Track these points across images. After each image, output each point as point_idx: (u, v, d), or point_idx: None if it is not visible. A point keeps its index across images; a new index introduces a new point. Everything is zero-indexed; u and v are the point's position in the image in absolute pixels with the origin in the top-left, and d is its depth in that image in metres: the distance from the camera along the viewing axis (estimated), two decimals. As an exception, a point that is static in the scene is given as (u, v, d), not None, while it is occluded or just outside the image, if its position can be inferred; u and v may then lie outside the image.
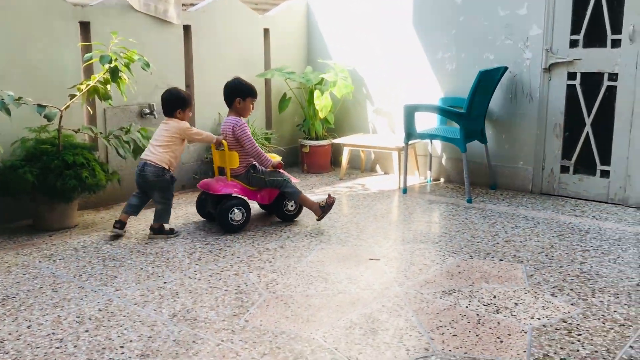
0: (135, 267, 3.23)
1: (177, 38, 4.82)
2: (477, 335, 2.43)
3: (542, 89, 4.64)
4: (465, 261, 3.30)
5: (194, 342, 2.40)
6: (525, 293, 2.86)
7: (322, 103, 5.24)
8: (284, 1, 5.89)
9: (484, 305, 2.72)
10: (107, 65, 3.68)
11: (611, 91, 4.38)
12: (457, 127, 4.70)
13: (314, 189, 4.99)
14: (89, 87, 3.79)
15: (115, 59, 3.71)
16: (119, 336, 2.45)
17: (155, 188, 3.74)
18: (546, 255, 3.37)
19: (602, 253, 3.40)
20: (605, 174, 4.48)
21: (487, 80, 4.54)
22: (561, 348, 2.32)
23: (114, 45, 3.78)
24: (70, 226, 3.95)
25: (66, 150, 3.80)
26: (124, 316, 2.64)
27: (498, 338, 2.41)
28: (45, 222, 3.88)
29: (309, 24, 5.93)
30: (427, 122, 5.11)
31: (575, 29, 4.47)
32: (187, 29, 4.90)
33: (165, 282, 3.02)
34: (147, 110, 4.62)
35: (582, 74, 4.48)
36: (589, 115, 4.50)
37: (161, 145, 3.73)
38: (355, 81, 5.63)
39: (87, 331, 2.50)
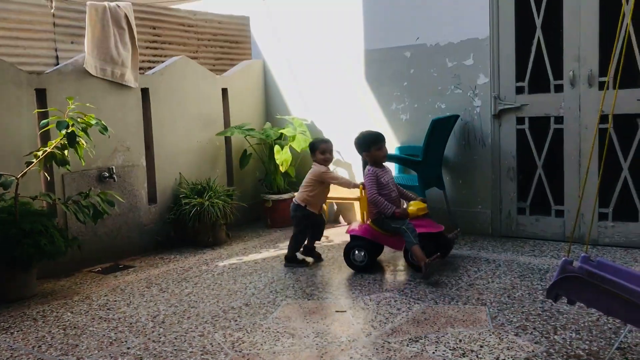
0: (97, 334, 3.16)
1: (135, 101, 4.86)
2: (444, 381, 2.44)
3: (493, 135, 4.81)
4: (430, 307, 3.33)
5: (159, 408, 2.34)
6: (490, 335, 2.89)
7: (282, 157, 5.31)
8: (241, 61, 6.03)
9: (450, 349, 2.74)
10: (64, 131, 3.68)
11: (558, 133, 4.58)
12: (415, 174, 4.81)
13: (279, 244, 4.99)
14: (45, 153, 3.77)
15: (72, 124, 3.71)
16: (81, 408, 2.37)
17: (292, 220, 4.35)
18: (508, 296, 3.43)
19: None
20: (559, 213, 4.63)
21: (440, 128, 4.69)
22: (527, 388, 2.35)
23: (70, 111, 3.80)
24: (28, 296, 3.84)
25: (23, 218, 3.74)
26: (86, 386, 2.56)
27: (465, 382, 2.42)
28: (2, 293, 3.77)
29: (266, 81, 6.06)
30: (386, 171, 5.22)
31: (520, 76, 4.69)
32: (145, 91, 4.95)
33: (128, 348, 2.96)
34: (107, 174, 4.60)
35: (530, 118, 4.68)
36: (539, 158, 4.68)
37: (303, 186, 4.31)
38: (314, 134, 5.73)
39: (47, 405, 2.41)
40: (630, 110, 4.25)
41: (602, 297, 2.30)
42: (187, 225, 4.89)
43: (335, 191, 5.38)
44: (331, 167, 5.70)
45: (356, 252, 4.08)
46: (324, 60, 5.65)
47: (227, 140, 5.69)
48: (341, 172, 5.68)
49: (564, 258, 2.44)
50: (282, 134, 5.57)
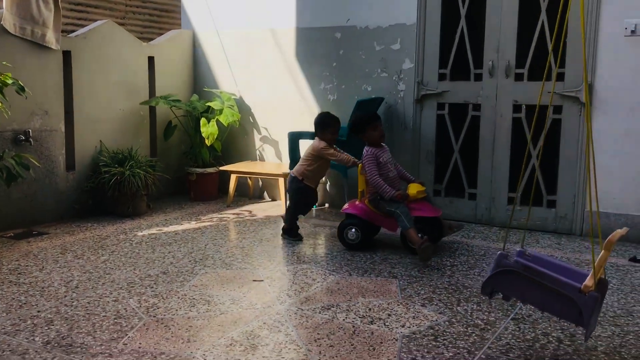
0: (5, 297, 3.08)
1: (56, 64, 4.70)
2: (351, 345, 2.56)
3: (415, 119, 4.99)
4: (344, 278, 3.45)
5: (68, 368, 2.33)
6: (398, 305, 3.04)
7: (209, 131, 5.29)
8: (170, 30, 5.92)
9: (359, 317, 2.87)
10: (-24, 88, 3.52)
11: (476, 120, 4.80)
12: (339, 153, 4.91)
13: (201, 216, 4.99)
14: (-45, 110, 3.60)
15: (-14, 82, 3.56)
16: (-16, 367, 2.33)
17: (288, 192, 4.42)
18: (419, 271, 3.61)
19: (469, 267, 3.70)
20: (472, 196, 4.87)
21: (365, 110, 4.81)
22: (427, 352, 2.51)
23: (-16, 68, 3.63)
24: None
25: None
26: (-9, 347, 2.51)
27: (371, 346, 2.55)
28: None
29: (195, 53, 5.99)
30: (311, 149, 5.31)
31: (442, 64, 4.88)
32: (67, 55, 4.78)
33: (39, 311, 2.91)
34: (22, 137, 4.43)
35: (450, 104, 4.88)
36: (456, 143, 4.90)
37: (302, 159, 4.29)
38: (242, 109, 5.73)
39: (-52, 364, 2.35)
40: (541, 101, 4.50)
41: (538, 292, 2.23)
42: (107, 194, 4.80)
43: (260, 167, 5.43)
44: (257, 142, 5.75)
45: (351, 230, 4.03)
46: (255, 36, 5.64)
47: (152, 111, 5.59)
48: (267, 149, 5.72)
49: (499, 252, 2.36)
50: (209, 107, 5.54)
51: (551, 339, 2.65)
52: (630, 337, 2.69)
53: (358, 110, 4.61)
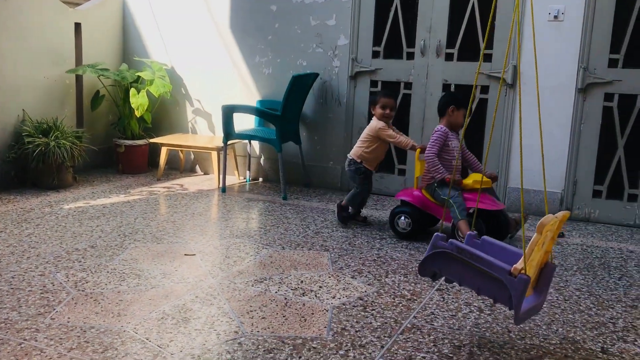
0: None
1: (-27, 26, 4.43)
2: (283, 317, 2.61)
3: (349, 95, 5.05)
4: (277, 252, 3.49)
5: (-9, 344, 2.27)
6: (329, 277, 3.12)
7: (139, 101, 5.15)
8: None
9: (291, 289, 2.93)
10: None
11: (407, 98, 4.91)
12: (273, 128, 4.92)
13: (130, 189, 4.88)
14: None
15: None
16: None
17: (349, 176, 4.20)
18: (349, 244, 3.70)
19: (397, 240, 3.82)
20: (401, 172, 5.01)
21: (300, 85, 4.83)
22: (357, 322, 2.60)
23: None
24: None
25: None
26: None
27: (302, 317, 2.61)
28: None
29: (125, 21, 5.78)
30: (246, 123, 5.28)
31: (377, 41, 4.94)
32: (-15, 16, 4.51)
33: (-43, 287, 2.79)
34: (-64, 103, 4.17)
35: (383, 82, 4.96)
36: (388, 120, 5.00)
37: (360, 140, 4.08)
38: (173, 80, 5.61)
39: None
40: (469, 81, 4.66)
41: (472, 274, 2.22)
42: (30, 165, 4.61)
43: (192, 139, 5.35)
44: (189, 114, 5.65)
45: (401, 218, 3.81)
46: (189, 4, 5.50)
47: (78, 79, 5.38)
48: (200, 122, 5.64)
49: (436, 234, 2.33)
50: (139, 77, 5.38)
51: (473, 308, 2.80)
52: (544, 305, 2.88)
53: (294, 85, 4.61)
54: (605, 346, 2.48)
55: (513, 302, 2.08)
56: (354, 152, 4.11)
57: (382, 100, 4.02)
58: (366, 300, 2.84)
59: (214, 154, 5.16)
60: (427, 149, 3.75)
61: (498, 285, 2.12)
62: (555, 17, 4.34)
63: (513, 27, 4.45)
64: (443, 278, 2.44)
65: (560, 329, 2.62)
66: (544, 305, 2.86)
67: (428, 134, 4.82)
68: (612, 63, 4.30)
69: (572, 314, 2.79)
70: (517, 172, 4.58)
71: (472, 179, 3.70)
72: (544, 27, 4.38)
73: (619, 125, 4.35)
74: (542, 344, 2.47)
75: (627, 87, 4.28)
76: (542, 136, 2.52)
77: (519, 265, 2.07)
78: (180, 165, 5.69)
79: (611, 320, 2.73)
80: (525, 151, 4.43)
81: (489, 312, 2.76)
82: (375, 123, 4.03)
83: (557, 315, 2.76)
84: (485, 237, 2.50)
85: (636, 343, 2.52)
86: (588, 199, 4.47)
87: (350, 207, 4.14)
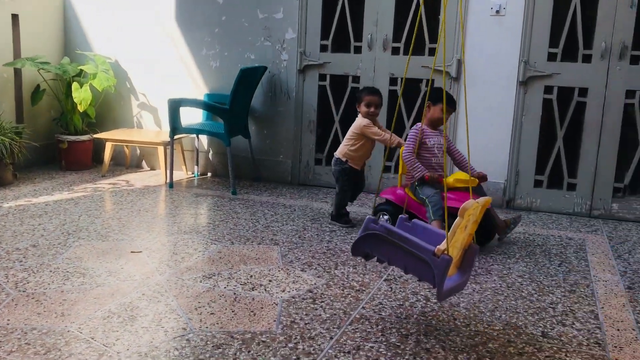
0: None
1: None
2: (232, 312, 2.60)
3: (297, 89, 5.04)
4: (226, 247, 3.47)
5: None
6: (279, 271, 3.12)
7: (82, 96, 5.00)
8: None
9: (240, 284, 2.91)
10: None
11: (356, 92, 4.94)
12: (221, 122, 4.87)
13: (73, 187, 4.75)
14: None
15: None
16: None
17: (333, 175, 4.07)
18: (299, 237, 3.71)
19: (346, 232, 3.85)
20: (387, 169, 5.04)
21: (248, 78, 4.79)
22: (306, 314, 2.61)
23: None
24: None
25: None
26: None
27: (252, 312, 2.61)
28: None
29: (66, 12, 5.60)
30: (194, 117, 5.21)
31: (324, 35, 4.95)
32: None
33: None
34: None
35: (331, 76, 4.98)
36: (337, 113, 5.03)
37: (345, 139, 4.01)
38: (118, 74, 5.47)
39: None
40: (415, 75, 4.73)
41: (401, 255, 2.32)
42: (-34, 162, 4.42)
43: (138, 134, 5.24)
44: (134, 109, 5.53)
45: (383, 216, 3.77)
46: (132, -3, 5.38)
47: (17, 73, 5.18)
48: (146, 116, 5.53)
49: (368, 216, 2.43)
50: (82, 70, 5.23)
51: (419, 297, 2.86)
52: (488, 293, 2.96)
53: (242, 79, 4.57)
54: (545, 330, 2.57)
55: (436, 280, 2.19)
56: (340, 151, 4.03)
57: (366, 98, 3.92)
58: (315, 293, 2.85)
59: (161, 149, 5.07)
60: (404, 148, 3.65)
61: (423, 265, 2.23)
62: (497, 11, 4.45)
63: (457, 21, 4.55)
64: (376, 258, 2.53)
65: (504, 315, 2.70)
66: (488, 293, 2.95)
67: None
68: (551, 57, 4.44)
69: (515, 300, 2.89)
70: (463, 164, 4.68)
71: (453, 177, 3.62)
72: (487, 22, 4.49)
73: (558, 117, 4.51)
74: (486, 330, 2.55)
75: (565, 80, 4.43)
76: (467, 127, 2.59)
77: (442, 246, 2.18)
78: (126, 161, 5.57)
79: (551, 305, 2.84)
80: (470, 143, 4.53)
81: (435, 300, 2.82)
82: (359, 121, 3.94)
83: (500, 302, 2.85)
84: (415, 220, 2.62)
85: (574, 326, 2.62)
86: (530, 189, 4.62)
87: (335, 209, 4.05)
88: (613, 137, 4.39)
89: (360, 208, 4.47)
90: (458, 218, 2.21)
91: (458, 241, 2.29)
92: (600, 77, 4.35)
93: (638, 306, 2.88)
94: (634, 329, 2.61)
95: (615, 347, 2.45)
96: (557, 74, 4.43)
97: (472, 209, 2.26)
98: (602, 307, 2.84)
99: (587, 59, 4.39)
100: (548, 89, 4.48)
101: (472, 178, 3.43)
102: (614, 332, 2.58)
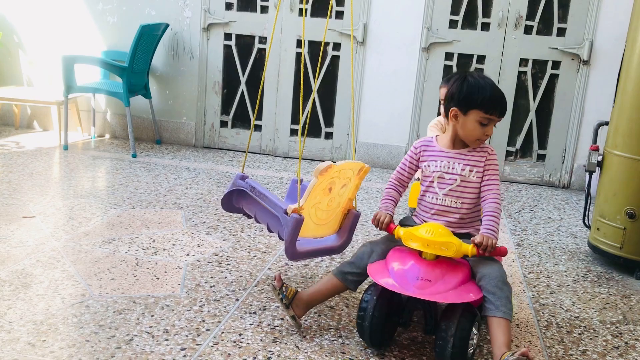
0: None
1: None
2: (134, 277, 2.53)
3: (201, 48, 4.88)
4: (127, 212, 3.34)
5: None
6: (183, 234, 3.06)
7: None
8: None
9: (142, 249, 2.83)
10: None
11: (262, 53, 4.86)
12: (120, 81, 4.63)
13: (-44, 148, 4.38)
14: None
15: None
16: None
17: None
18: (204, 201, 3.64)
19: (253, 196, 3.83)
20: (258, 127, 4.99)
21: (149, 36, 4.57)
22: (211, 277, 2.58)
23: None
24: None
25: None
26: None
27: (155, 276, 2.55)
28: None
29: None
30: (90, 75, 4.92)
31: (229, -7, 4.80)
32: None
33: None
34: None
35: (237, 35, 4.86)
36: (243, 75, 4.93)
37: None
38: (4, 28, 5.04)
39: None
40: (322, 38, 4.71)
41: (263, 212, 2.36)
42: None
43: (29, 93, 4.89)
44: (24, 65, 5.13)
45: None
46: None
47: None
48: (37, 74, 5.14)
49: (237, 173, 2.48)
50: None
51: (325, 257, 2.91)
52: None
53: (142, 36, 4.36)
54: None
55: (284, 237, 2.21)
56: None
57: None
58: (221, 256, 2.83)
59: (54, 109, 4.76)
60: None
61: (278, 222, 2.26)
62: (402, -23, 4.50)
63: (363, -15, 4.55)
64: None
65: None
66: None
67: (283, 90, 4.84)
68: (452, 24, 4.58)
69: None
70: (366, 127, 4.77)
71: (417, 231, 2.00)
72: (392, -13, 4.53)
73: (457, 83, 4.67)
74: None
75: (464, 47, 4.59)
76: (353, 92, 2.63)
77: (295, 205, 2.19)
78: (15, 121, 5.19)
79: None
80: (373, 107, 4.62)
81: (340, 259, 2.88)
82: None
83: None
84: (294, 178, 2.65)
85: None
86: (430, 152, 4.78)
87: None
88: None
89: (267, 171, 4.46)
90: (313, 178, 2.17)
91: (322, 203, 2.25)
92: (497, 45, 4.55)
93: (525, 261, 3.10)
94: (521, 282, 2.81)
95: (505, 299, 2.61)
96: (458, 41, 4.58)
97: (333, 171, 2.16)
98: (494, 263, 3.03)
99: (485, 27, 4.56)
100: (449, 56, 4.62)
101: (460, 242, 1.97)
102: (503, 286, 2.75)
